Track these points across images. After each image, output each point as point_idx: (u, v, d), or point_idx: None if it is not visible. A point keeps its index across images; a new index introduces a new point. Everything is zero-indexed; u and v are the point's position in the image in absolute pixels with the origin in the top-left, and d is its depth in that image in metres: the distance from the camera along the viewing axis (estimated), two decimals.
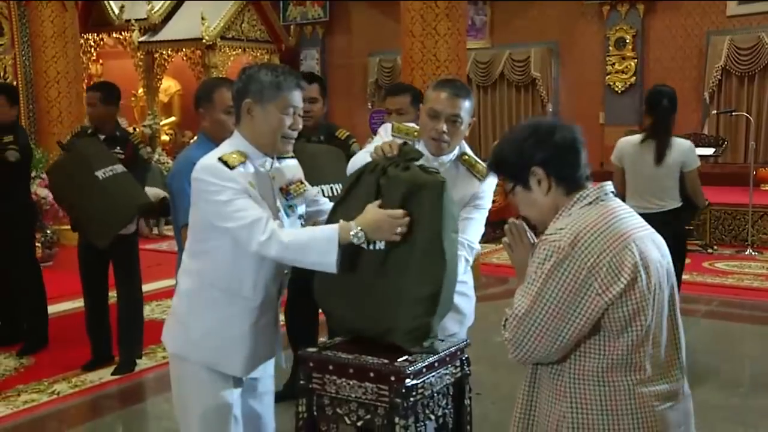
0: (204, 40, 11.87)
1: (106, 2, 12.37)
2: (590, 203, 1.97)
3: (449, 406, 2.57)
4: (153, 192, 4.52)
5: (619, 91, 11.99)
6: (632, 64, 11.91)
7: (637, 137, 5.02)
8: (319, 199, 2.82)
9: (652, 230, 2.01)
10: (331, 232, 2.43)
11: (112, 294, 5.14)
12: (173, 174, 3.54)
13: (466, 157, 3.05)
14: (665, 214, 4.79)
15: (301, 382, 2.50)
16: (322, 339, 3.18)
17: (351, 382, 2.41)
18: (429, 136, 2.94)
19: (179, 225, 3.36)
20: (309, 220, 2.76)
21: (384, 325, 2.48)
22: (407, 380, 2.33)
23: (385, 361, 2.39)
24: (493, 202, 10.94)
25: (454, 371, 2.57)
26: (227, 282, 2.54)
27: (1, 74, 10.77)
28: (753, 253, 8.71)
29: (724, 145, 9.78)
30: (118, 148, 4.89)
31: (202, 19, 11.77)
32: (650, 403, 1.91)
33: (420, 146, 3.01)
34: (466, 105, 2.92)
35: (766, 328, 6.30)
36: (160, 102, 13.08)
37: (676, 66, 11.74)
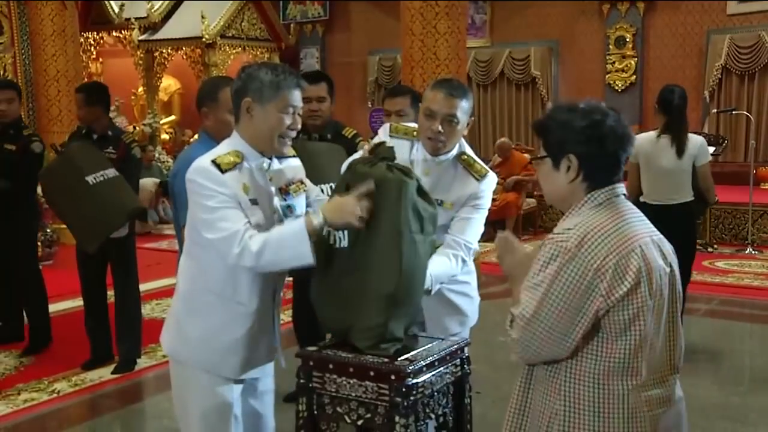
0: (204, 39, 11.86)
1: (105, 1, 12.37)
2: (600, 204, 1.96)
3: (449, 405, 2.57)
4: (149, 182, 4.51)
5: (620, 90, 12.00)
6: (632, 62, 11.92)
7: (653, 134, 5.17)
8: (321, 198, 2.81)
9: (661, 236, 2.00)
10: (297, 225, 2.44)
11: (111, 293, 5.15)
12: (174, 173, 3.53)
13: (465, 156, 3.04)
14: (679, 207, 5.07)
15: (301, 381, 2.50)
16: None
17: (351, 381, 2.41)
18: (425, 136, 2.94)
19: (180, 225, 3.36)
20: None
21: (347, 323, 2.51)
22: (407, 379, 2.33)
23: (386, 360, 2.39)
24: (494, 200, 10.97)
25: (454, 370, 2.57)
26: (222, 287, 2.53)
27: (1, 73, 10.77)
28: (753, 252, 8.71)
29: (724, 144, 9.78)
30: (111, 147, 4.87)
31: (202, 17, 11.77)
32: (642, 409, 1.91)
33: (419, 146, 3.02)
34: (463, 105, 2.91)
35: (766, 327, 6.30)
36: (160, 101, 13.08)
37: (676, 64, 11.74)
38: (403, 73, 7.60)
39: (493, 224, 10.27)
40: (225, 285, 2.53)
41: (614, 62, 12.02)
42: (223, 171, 2.44)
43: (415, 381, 2.36)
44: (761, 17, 10.98)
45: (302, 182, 2.72)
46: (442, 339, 2.62)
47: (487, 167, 3.07)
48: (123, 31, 12.69)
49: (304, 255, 2.40)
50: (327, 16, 14.44)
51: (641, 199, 5.16)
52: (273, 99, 2.48)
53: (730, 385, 4.81)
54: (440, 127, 2.88)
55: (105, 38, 13.02)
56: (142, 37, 12.52)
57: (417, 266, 2.48)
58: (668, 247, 2.01)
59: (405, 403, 2.32)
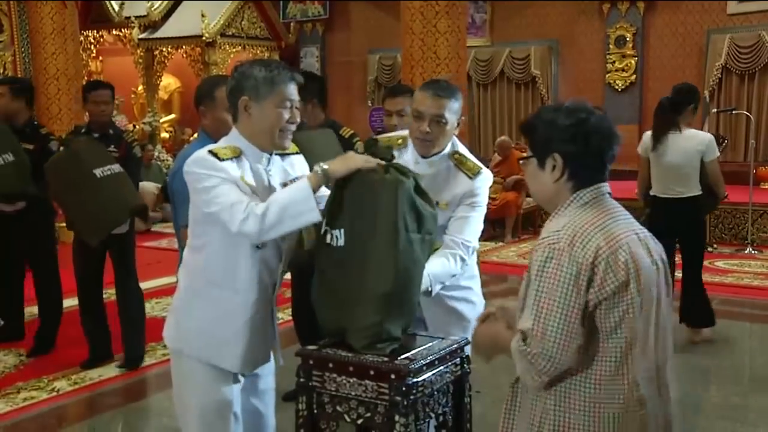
0: (204, 38, 11.86)
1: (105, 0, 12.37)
2: (586, 203, 1.96)
3: (449, 404, 2.57)
4: (151, 186, 4.52)
5: (620, 90, 12.00)
6: (632, 62, 11.91)
7: None
8: (324, 194, 2.81)
9: (646, 234, 2.00)
10: (300, 182, 2.46)
11: (108, 292, 5.14)
12: (173, 173, 3.54)
13: (457, 155, 3.03)
14: (686, 200, 5.27)
15: (301, 379, 2.50)
16: None
17: (351, 380, 2.40)
18: (414, 137, 2.95)
19: (178, 224, 3.36)
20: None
21: (343, 323, 2.50)
22: (407, 378, 2.33)
23: (385, 359, 2.39)
24: (494, 199, 10.90)
25: (454, 369, 2.57)
26: (221, 277, 2.55)
27: (1, 71, 10.77)
28: (753, 252, 8.72)
29: (724, 144, 9.77)
30: (112, 146, 4.89)
31: (202, 16, 11.77)
32: (633, 408, 1.91)
33: (406, 150, 3.02)
34: (451, 105, 2.91)
35: (766, 326, 6.30)
36: (160, 99, 13.08)
37: (676, 64, 11.74)
38: (403, 72, 7.60)
39: (493, 223, 10.31)
40: (223, 275, 2.54)
41: (614, 62, 12.02)
42: (221, 160, 2.45)
43: (415, 380, 2.36)
44: (761, 17, 10.98)
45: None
46: (442, 338, 2.61)
47: (480, 165, 3.05)
48: (123, 30, 12.69)
49: (308, 210, 2.41)
50: (327, 15, 14.43)
51: (651, 192, 5.43)
52: (269, 95, 2.49)
53: (730, 384, 4.81)
54: (428, 128, 2.89)
55: (105, 37, 13.02)
56: (142, 36, 12.52)
57: (414, 266, 2.47)
58: (654, 245, 2.00)
59: (405, 402, 2.32)
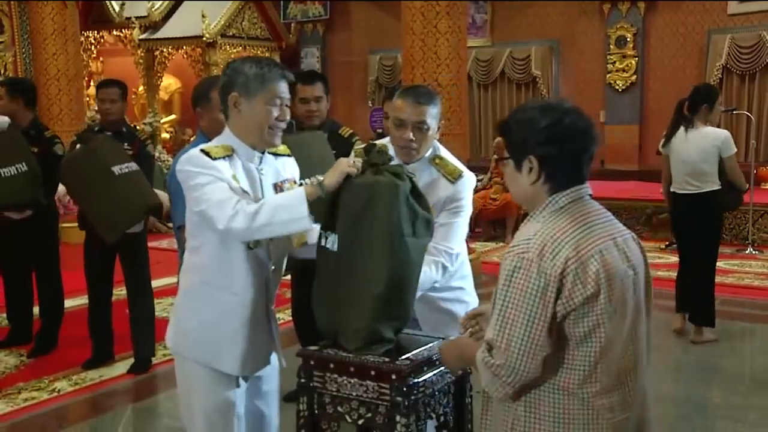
0: (204, 38, 11.85)
1: (106, 0, 12.36)
2: (561, 208, 1.92)
3: (450, 405, 2.57)
4: (164, 196, 4.52)
5: (620, 90, 12.00)
6: (633, 62, 11.91)
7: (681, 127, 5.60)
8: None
9: (627, 238, 1.97)
10: (296, 189, 2.48)
11: (117, 292, 5.14)
12: (172, 174, 3.54)
13: (438, 159, 3.02)
14: (703, 196, 5.44)
15: (302, 380, 2.50)
16: None
17: (352, 381, 2.40)
18: (397, 145, 2.94)
19: (176, 225, 3.37)
20: None
21: (336, 326, 2.50)
22: (408, 379, 2.33)
23: (386, 359, 2.39)
24: (494, 200, 10.88)
25: None
26: (217, 278, 2.55)
27: (2, 72, 10.77)
28: (753, 252, 8.71)
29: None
30: (126, 144, 4.90)
31: (203, 16, 11.76)
32: (603, 415, 1.90)
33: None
34: (432, 111, 2.91)
35: (767, 326, 6.30)
36: (161, 100, 13.07)
37: (677, 64, 11.74)
38: (403, 72, 7.59)
39: (493, 223, 10.31)
40: (219, 276, 2.54)
41: (615, 62, 12.01)
42: (213, 158, 2.45)
43: (416, 380, 2.36)
44: (762, 17, 10.97)
45: (295, 182, 2.72)
46: (443, 338, 2.61)
47: (461, 167, 3.04)
48: (123, 30, 12.67)
49: (301, 216, 2.40)
50: (327, 16, 14.43)
51: (671, 188, 5.60)
52: (259, 92, 2.49)
53: (731, 385, 4.81)
54: (411, 135, 2.88)
55: (105, 37, 13.01)
56: (142, 36, 12.51)
57: (407, 268, 2.46)
58: (634, 249, 1.98)
59: (406, 403, 2.32)
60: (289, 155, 2.75)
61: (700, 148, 5.42)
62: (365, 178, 2.45)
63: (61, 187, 5.27)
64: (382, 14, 13.32)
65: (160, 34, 12.49)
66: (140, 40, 12.49)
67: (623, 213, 9.74)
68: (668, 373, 5.05)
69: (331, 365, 2.44)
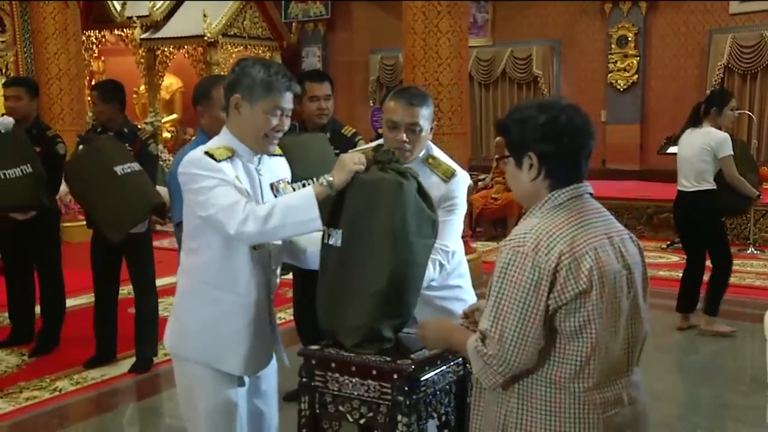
0: (206, 37, 11.86)
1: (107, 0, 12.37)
2: (559, 205, 1.95)
3: (451, 404, 2.57)
4: (164, 192, 4.53)
5: (621, 90, 12.00)
6: (634, 62, 11.91)
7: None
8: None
9: (624, 237, 2.00)
10: (305, 189, 2.47)
11: (123, 290, 5.14)
12: (173, 171, 3.55)
13: (431, 159, 3.05)
14: (695, 194, 5.57)
15: (304, 379, 2.50)
16: None
17: (353, 380, 2.40)
18: (392, 146, 2.94)
19: (175, 222, 3.37)
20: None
21: (336, 322, 2.50)
22: (410, 378, 2.33)
23: (388, 358, 2.39)
24: (495, 199, 10.87)
25: (456, 369, 2.57)
26: (220, 279, 2.54)
27: (3, 71, 10.77)
28: (755, 252, 8.71)
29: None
30: (127, 144, 4.90)
31: (204, 16, 11.76)
32: (595, 410, 1.91)
33: None
34: (424, 112, 2.93)
35: None
36: (162, 99, 13.08)
37: (678, 64, 11.74)
38: (404, 72, 7.59)
39: (495, 223, 10.31)
40: (222, 277, 2.54)
41: (616, 61, 12.01)
42: (217, 160, 2.45)
43: (417, 380, 2.36)
44: (764, 16, 10.97)
45: (288, 182, 2.74)
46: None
47: (455, 166, 3.07)
48: (125, 30, 12.69)
49: (312, 218, 2.40)
50: (329, 15, 14.44)
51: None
52: (262, 99, 2.48)
53: (732, 384, 4.81)
54: (404, 137, 2.91)
55: (107, 37, 13.02)
56: (143, 36, 12.52)
57: (409, 268, 2.45)
58: (631, 247, 2.00)
59: (407, 402, 2.32)
60: (281, 155, 2.75)
61: (696, 147, 5.56)
62: (370, 174, 2.44)
63: (63, 187, 5.27)
64: (383, 14, 13.32)
65: (161, 34, 12.51)
66: (141, 39, 12.51)
67: (624, 213, 9.74)
68: (669, 372, 5.05)
69: (333, 364, 2.44)
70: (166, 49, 12.59)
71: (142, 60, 12.66)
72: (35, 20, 9.96)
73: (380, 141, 3.16)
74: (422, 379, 2.39)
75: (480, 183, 10.48)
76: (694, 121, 5.69)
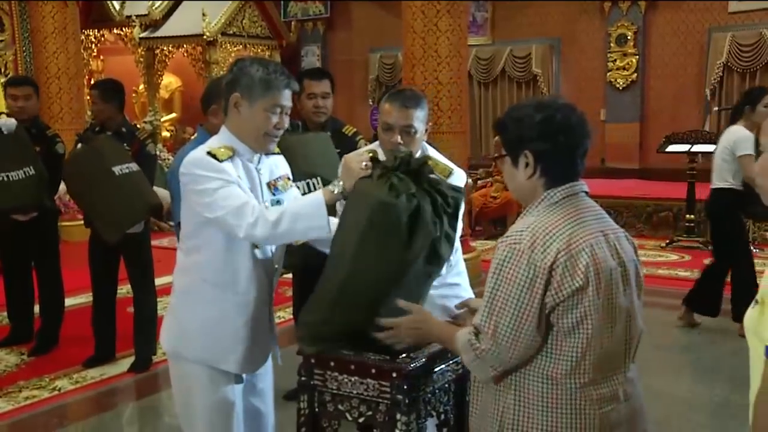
0: (205, 36, 11.85)
1: None
2: (556, 203, 1.97)
3: (450, 403, 2.57)
4: (165, 193, 4.53)
5: (621, 88, 11.99)
6: (633, 60, 11.90)
7: None
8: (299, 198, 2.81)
9: (619, 234, 2.02)
10: (315, 196, 2.47)
11: (121, 290, 5.14)
12: (173, 170, 3.55)
13: (429, 160, 3.05)
14: (713, 191, 5.70)
15: (303, 378, 2.50)
16: None
17: (352, 379, 2.40)
18: (386, 149, 2.99)
19: (177, 221, 3.37)
20: None
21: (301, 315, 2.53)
22: (409, 377, 2.33)
23: (387, 357, 2.39)
24: (495, 198, 10.84)
25: (455, 368, 2.56)
26: (220, 278, 2.54)
27: (2, 70, 10.76)
28: (754, 250, 8.69)
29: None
30: (125, 144, 4.89)
31: (203, 15, 11.76)
32: (591, 406, 1.93)
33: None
34: (419, 114, 2.96)
35: None
36: (161, 98, 13.07)
37: (677, 62, 11.73)
38: (404, 71, 7.58)
39: (494, 222, 10.31)
40: (223, 275, 2.54)
41: (615, 60, 12.00)
42: (220, 161, 2.45)
43: (416, 378, 2.36)
44: (763, 15, 10.97)
45: (288, 178, 2.74)
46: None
47: (452, 165, 3.10)
48: (124, 29, 12.67)
49: (320, 225, 2.42)
50: (328, 14, 14.43)
51: None
52: (261, 97, 2.48)
53: (732, 383, 4.81)
54: (399, 139, 2.93)
55: (106, 36, 13.02)
56: (143, 35, 12.51)
57: (364, 282, 2.32)
58: (626, 245, 2.03)
59: (406, 401, 2.32)
60: (278, 153, 2.75)
61: (720, 145, 5.62)
62: (366, 184, 2.38)
63: (62, 186, 5.27)
64: (383, 13, 13.31)
65: (160, 33, 12.50)
66: (141, 38, 12.49)
67: (624, 211, 9.74)
68: (668, 370, 5.05)
69: (332, 363, 2.44)
70: (165, 48, 12.58)
71: (141, 59, 12.65)
72: (34, 19, 9.95)
73: (374, 144, 3.17)
74: (421, 377, 2.38)
75: (479, 182, 10.49)
76: (732, 119, 5.74)
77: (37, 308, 5.58)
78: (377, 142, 3.17)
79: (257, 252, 2.55)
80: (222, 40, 12.16)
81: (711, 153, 5.89)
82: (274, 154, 2.70)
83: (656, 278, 7.46)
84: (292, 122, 2.68)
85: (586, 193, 2.02)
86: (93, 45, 13.03)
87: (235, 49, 12.48)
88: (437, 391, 2.49)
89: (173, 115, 13.29)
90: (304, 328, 2.48)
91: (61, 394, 4.69)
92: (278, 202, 2.62)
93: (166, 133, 12.84)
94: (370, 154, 2.54)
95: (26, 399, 4.60)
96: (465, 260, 3.40)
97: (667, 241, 9.06)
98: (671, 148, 9.20)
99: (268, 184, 2.64)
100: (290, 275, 4.58)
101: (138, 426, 4.58)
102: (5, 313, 5.82)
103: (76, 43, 10.07)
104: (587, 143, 2.01)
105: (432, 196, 2.35)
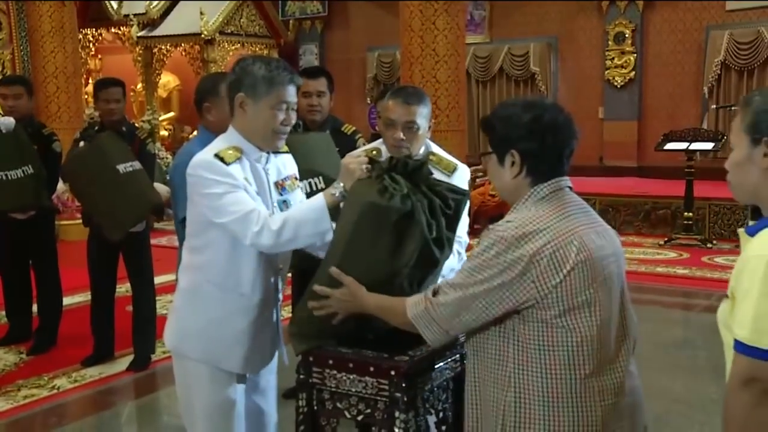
0: (203, 35, 11.86)
1: None
2: (543, 198, 2.00)
3: (449, 401, 2.58)
4: (163, 188, 4.54)
5: (619, 86, 12.00)
6: (631, 58, 11.92)
7: None
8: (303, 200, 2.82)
9: (606, 228, 2.05)
10: (317, 200, 2.46)
11: (120, 288, 5.14)
12: (174, 168, 3.55)
13: (433, 156, 3.09)
14: None
15: (301, 376, 2.50)
16: None
17: (351, 377, 2.40)
18: (389, 144, 3.01)
19: (179, 218, 3.37)
20: None
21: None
22: (407, 375, 2.33)
23: (385, 355, 2.39)
24: (493, 196, 10.84)
25: (453, 366, 2.57)
26: (225, 278, 2.54)
27: (0, 70, 10.75)
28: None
29: (723, 140, 9.79)
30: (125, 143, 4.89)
31: (201, 14, 11.76)
32: (593, 398, 1.93)
33: (384, 157, 3.03)
34: (421, 110, 2.98)
35: None
36: (159, 97, 13.07)
37: (675, 60, 11.75)
38: (402, 69, 7.60)
39: (492, 220, 10.31)
40: (227, 276, 2.54)
41: (613, 58, 12.02)
42: (227, 164, 2.44)
43: (414, 376, 2.36)
44: (760, 13, 10.99)
45: (296, 178, 2.74)
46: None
47: (456, 161, 3.12)
48: (122, 28, 12.68)
49: (324, 231, 2.43)
50: (326, 13, 14.43)
51: None
52: (266, 95, 2.48)
53: None
54: (401, 135, 2.95)
55: (104, 35, 13.01)
56: (140, 34, 12.51)
57: (360, 279, 2.30)
58: (614, 236, 2.06)
59: (405, 399, 2.32)
60: (287, 152, 2.75)
61: None
62: (361, 185, 2.39)
63: (60, 185, 5.26)
64: (381, 11, 13.32)
65: (158, 32, 12.50)
66: (138, 37, 12.49)
67: (622, 209, 9.75)
68: (668, 368, 5.05)
69: (330, 361, 2.44)
70: (163, 47, 12.58)
71: (139, 58, 12.65)
72: (32, 18, 9.95)
73: (380, 141, 3.18)
74: (420, 375, 2.39)
75: (477, 180, 10.48)
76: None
77: (35, 307, 5.58)
78: (380, 140, 3.17)
79: (263, 254, 2.55)
80: (220, 39, 12.17)
81: (709, 151, 5.84)
82: (281, 152, 2.70)
83: (654, 276, 7.47)
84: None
85: (570, 188, 2.05)
86: (91, 44, 13.02)
87: (233, 47, 12.48)
88: (436, 388, 2.49)
89: (171, 114, 13.29)
90: (296, 324, 2.50)
91: (60, 392, 4.69)
92: (285, 202, 2.62)
93: (164, 132, 12.84)
94: (373, 152, 2.55)
95: (25, 398, 4.60)
96: None
97: (666, 239, 9.07)
98: (669, 146, 9.21)
99: (276, 184, 2.63)
100: (289, 274, 4.59)
101: (137, 425, 4.58)
102: (3, 312, 5.82)
103: (73, 42, 10.06)
104: (574, 143, 2.03)
105: (429, 197, 2.33)
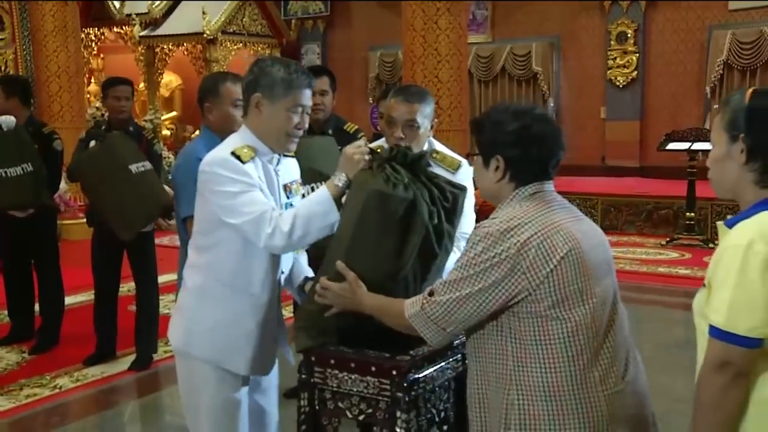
0: (205, 35, 11.86)
1: None
2: (527, 196, 2.03)
3: (450, 400, 2.58)
4: (169, 189, 4.55)
5: (621, 86, 11.99)
6: (634, 58, 11.91)
7: None
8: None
9: (588, 221, 2.08)
10: (322, 193, 2.46)
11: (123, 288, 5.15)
12: (177, 167, 3.55)
13: (436, 154, 3.11)
14: None
15: (303, 376, 2.51)
16: None
17: (353, 377, 2.41)
18: (390, 142, 3.00)
19: (181, 217, 3.37)
20: None
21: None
22: (409, 374, 2.34)
23: (387, 355, 2.39)
24: None
25: (455, 365, 2.57)
26: (234, 278, 2.54)
27: (3, 69, 10.77)
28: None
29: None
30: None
31: (203, 13, 11.76)
32: (595, 387, 1.93)
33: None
34: (423, 109, 2.98)
35: None
36: (161, 96, 13.07)
37: (677, 60, 11.74)
38: (404, 69, 7.60)
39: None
40: (238, 276, 2.53)
41: (615, 58, 12.01)
42: (243, 162, 2.44)
43: (416, 376, 2.36)
44: (763, 12, 10.97)
45: (299, 183, 2.75)
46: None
47: (460, 158, 3.14)
48: (124, 27, 12.68)
49: (333, 222, 2.43)
50: (328, 12, 14.43)
51: None
52: (283, 97, 2.48)
53: None
54: (402, 133, 2.95)
55: (106, 34, 13.01)
56: (143, 33, 12.51)
57: (367, 273, 2.32)
58: (594, 230, 2.08)
59: (406, 399, 2.32)
60: (292, 156, 2.75)
61: None
62: (363, 175, 2.40)
63: (63, 184, 5.26)
64: (383, 11, 13.32)
65: (160, 31, 12.50)
66: (141, 37, 12.50)
67: (624, 209, 9.75)
68: (669, 368, 5.05)
69: (332, 361, 2.45)
70: (165, 47, 12.59)
71: (142, 57, 12.65)
72: (34, 18, 9.96)
73: (383, 140, 3.18)
74: (421, 375, 2.39)
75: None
76: None
77: (37, 306, 5.59)
78: (383, 139, 3.18)
79: (270, 254, 2.55)
80: (222, 39, 12.16)
81: (709, 151, 5.83)
82: (288, 156, 2.70)
83: (656, 276, 7.47)
84: None
85: (552, 190, 2.09)
86: (93, 43, 13.03)
87: (235, 47, 12.49)
88: (437, 388, 2.49)
89: (173, 113, 13.30)
90: (303, 318, 2.50)
91: (62, 392, 4.70)
92: (291, 206, 2.62)
93: (166, 132, 12.84)
94: (379, 147, 2.55)
95: (27, 397, 4.61)
96: None
97: (668, 239, 9.06)
98: (671, 146, 9.20)
99: (285, 187, 2.63)
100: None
101: (139, 424, 4.59)
102: (5, 312, 5.83)
103: (76, 41, 10.08)
104: (561, 155, 2.06)
105: (428, 187, 2.38)
